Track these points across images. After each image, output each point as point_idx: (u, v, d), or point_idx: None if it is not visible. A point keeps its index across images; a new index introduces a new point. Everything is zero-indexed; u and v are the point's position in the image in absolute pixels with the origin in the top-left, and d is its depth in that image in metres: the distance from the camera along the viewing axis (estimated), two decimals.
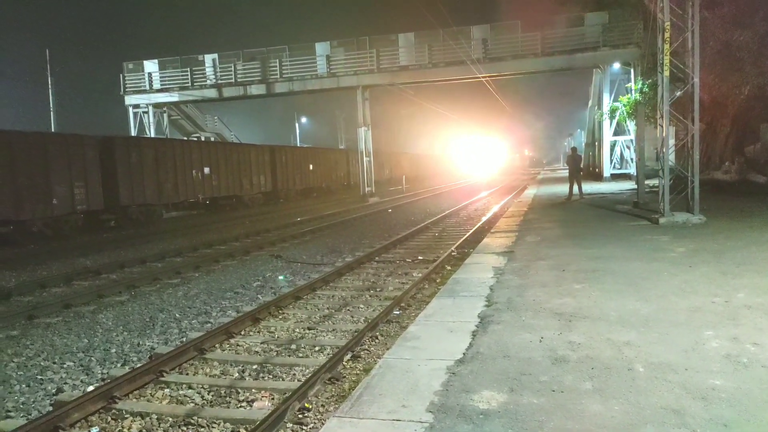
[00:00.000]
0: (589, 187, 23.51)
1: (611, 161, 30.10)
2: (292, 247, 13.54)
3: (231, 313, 7.71)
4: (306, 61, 32.13)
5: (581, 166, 20.66)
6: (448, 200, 27.21)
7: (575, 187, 19.30)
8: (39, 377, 5.49)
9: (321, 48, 32.17)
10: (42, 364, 5.86)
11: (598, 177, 30.44)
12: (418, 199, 29.07)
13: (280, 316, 7.42)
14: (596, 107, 31.78)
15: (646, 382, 3.70)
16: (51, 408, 4.76)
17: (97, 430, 4.39)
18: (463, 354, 4.44)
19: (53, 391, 5.16)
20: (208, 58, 33.73)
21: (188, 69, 33.83)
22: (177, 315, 7.67)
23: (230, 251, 12.67)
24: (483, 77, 30.72)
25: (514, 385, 3.78)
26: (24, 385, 5.29)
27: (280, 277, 9.19)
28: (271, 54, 32.83)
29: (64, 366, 5.79)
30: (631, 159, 28.79)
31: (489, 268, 7.84)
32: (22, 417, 4.64)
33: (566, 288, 6.44)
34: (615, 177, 29.66)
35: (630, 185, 23.44)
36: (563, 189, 21.75)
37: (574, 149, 21.23)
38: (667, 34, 11.16)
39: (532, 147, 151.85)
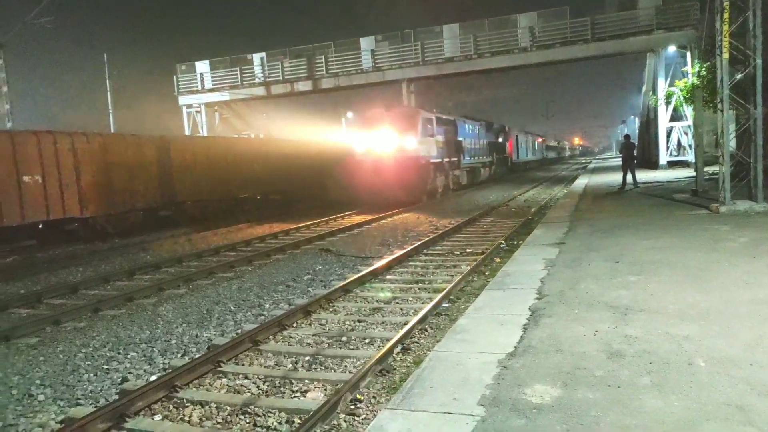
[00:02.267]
0: (644, 175, 22.74)
1: (667, 148, 28.98)
2: (341, 240, 13.69)
3: (283, 305, 7.88)
4: (351, 56, 32.33)
5: (635, 153, 19.98)
6: (496, 192, 26.85)
7: (629, 176, 18.72)
8: (105, 367, 5.78)
9: (366, 43, 32.31)
10: (108, 354, 6.16)
11: (653, 165, 29.38)
12: (465, 192, 28.80)
13: (331, 309, 7.54)
14: (651, 92, 30.64)
15: (707, 378, 3.58)
16: (117, 396, 5.00)
17: (160, 418, 4.59)
18: (515, 347, 4.40)
19: (119, 380, 5.43)
20: (257, 57, 34.44)
21: (237, 68, 34.66)
22: (232, 307, 7.90)
23: (281, 245, 12.93)
24: (530, 65, 30.11)
25: (567, 379, 3.72)
26: (92, 374, 5.58)
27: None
28: (316, 50, 33.23)
29: (128, 356, 6.07)
30: (689, 145, 27.62)
31: (540, 260, 7.71)
32: (90, 404, 4.90)
33: (621, 280, 6.28)
34: (671, 165, 28.54)
35: (687, 173, 22.51)
36: (616, 178, 21.12)
37: (627, 137, 20.57)
38: (725, 15, 10.63)
39: (582, 135, 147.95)
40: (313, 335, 6.45)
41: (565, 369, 3.89)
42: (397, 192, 20.22)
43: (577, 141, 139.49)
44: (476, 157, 29.54)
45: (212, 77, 35.59)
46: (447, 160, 24.10)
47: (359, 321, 6.89)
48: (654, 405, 3.26)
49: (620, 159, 19.95)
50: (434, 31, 31.26)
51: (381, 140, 20.52)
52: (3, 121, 26.69)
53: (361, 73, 32.20)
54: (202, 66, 35.91)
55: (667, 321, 4.75)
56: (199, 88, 35.88)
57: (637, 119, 48.32)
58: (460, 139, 26.29)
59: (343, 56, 32.51)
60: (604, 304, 5.38)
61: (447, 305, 7.24)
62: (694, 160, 19.04)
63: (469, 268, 9.10)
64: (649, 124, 33.36)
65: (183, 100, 36.48)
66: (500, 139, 37.07)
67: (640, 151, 32.50)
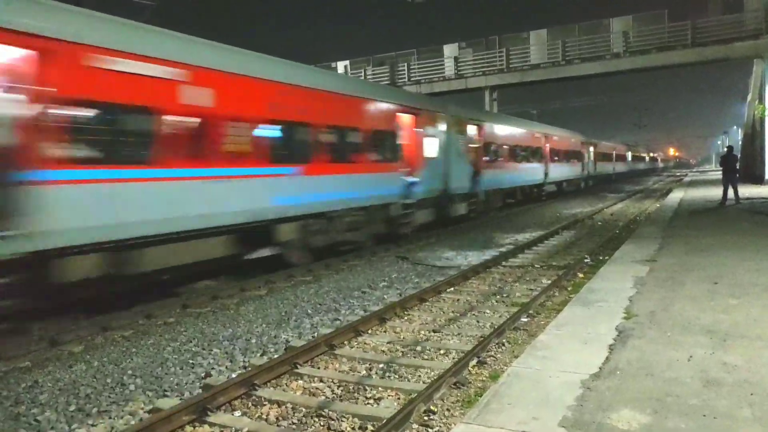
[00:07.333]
0: (747, 191, 21.07)
1: None
2: (418, 249, 13.65)
3: (359, 311, 7.94)
4: (433, 63, 32.34)
5: (737, 167, 18.53)
6: (580, 203, 25.83)
7: (730, 191, 17.39)
8: (190, 361, 6.05)
9: (449, 50, 32.22)
10: (193, 349, 6.45)
11: (757, 180, 27.15)
12: (547, 202, 27.93)
13: (406, 317, 7.50)
14: (756, 101, 28.39)
15: None
16: (200, 390, 5.21)
17: (240, 414, 4.73)
18: (599, 368, 4.17)
19: (202, 374, 5.66)
20: (341, 65, 35.20)
21: None
22: (309, 311, 8.06)
23: (358, 252, 13.06)
24: (622, 72, 28.84)
25: (658, 406, 3.47)
26: (178, 368, 5.86)
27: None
28: (399, 58, 33.50)
29: (212, 353, 6.33)
30: None
31: (628, 278, 7.30)
32: (176, 396, 5.14)
33: (720, 303, 5.81)
34: None
35: None
36: (715, 193, 19.72)
37: (729, 148, 19.14)
38: None
39: (678, 146, 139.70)
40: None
41: (655, 395, 3.63)
42: None
43: (672, 152, 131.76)
44: None
45: None
46: None
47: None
48: None
49: (719, 173, 18.56)
50: (520, 37, 30.67)
51: None
52: None
53: (443, 81, 32.10)
54: None
55: None
56: None
57: (740, 130, 44.92)
58: None
59: (426, 63, 32.59)
60: (700, 328, 5.00)
61: (526, 320, 7.01)
62: None
63: (549, 282, 8.78)
64: (754, 135, 30.87)
65: None
66: None
67: (743, 165, 30.12)
